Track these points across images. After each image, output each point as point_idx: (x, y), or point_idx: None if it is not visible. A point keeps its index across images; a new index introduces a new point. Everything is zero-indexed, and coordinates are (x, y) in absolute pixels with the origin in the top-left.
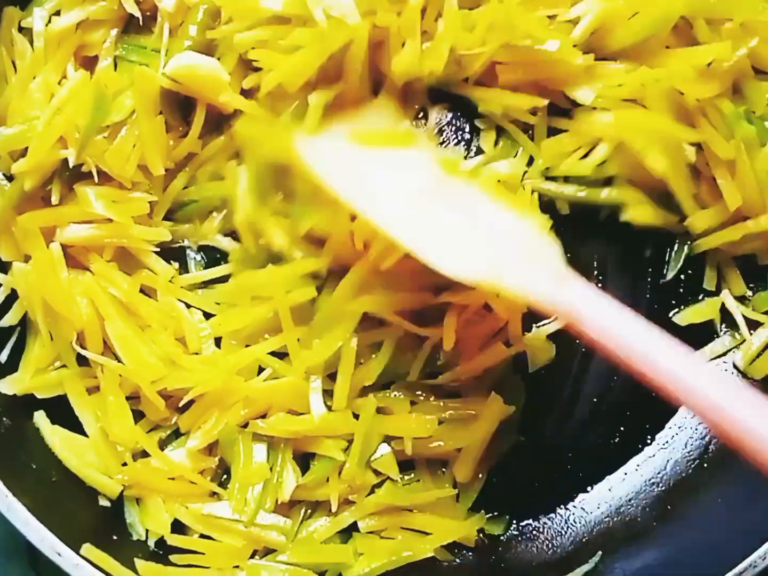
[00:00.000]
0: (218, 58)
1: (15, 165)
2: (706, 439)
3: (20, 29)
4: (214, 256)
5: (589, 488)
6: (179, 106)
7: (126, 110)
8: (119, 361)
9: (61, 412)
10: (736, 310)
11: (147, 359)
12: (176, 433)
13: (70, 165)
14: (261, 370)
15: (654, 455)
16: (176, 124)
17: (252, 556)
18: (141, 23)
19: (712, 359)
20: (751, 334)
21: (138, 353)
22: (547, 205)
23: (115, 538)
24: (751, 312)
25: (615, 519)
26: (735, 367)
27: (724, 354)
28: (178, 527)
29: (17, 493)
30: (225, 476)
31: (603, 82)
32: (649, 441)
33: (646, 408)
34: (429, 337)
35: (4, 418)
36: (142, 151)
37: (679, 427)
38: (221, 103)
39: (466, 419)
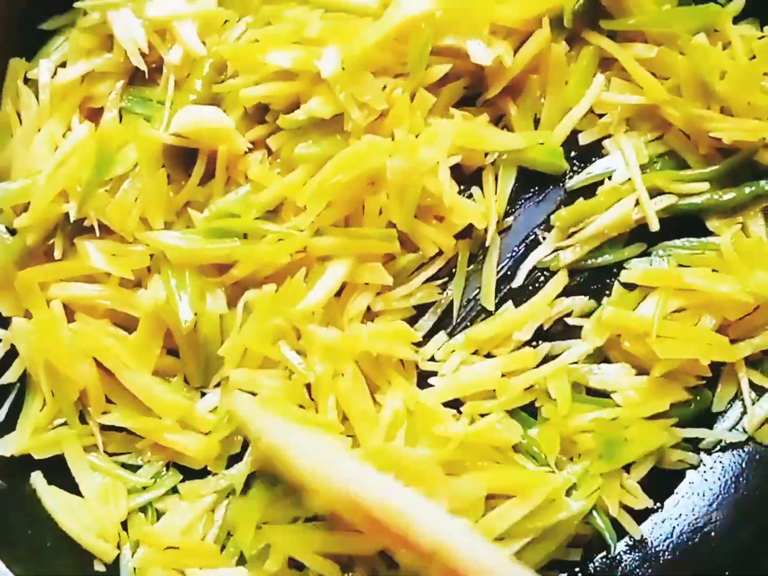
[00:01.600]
0: (224, 110)
1: (17, 220)
2: None
3: (26, 81)
4: None
5: None
6: (181, 158)
7: (129, 163)
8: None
9: (56, 470)
10: (744, 377)
11: (168, 398)
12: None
13: (71, 219)
14: None
15: None
16: (178, 177)
17: None
18: (147, 76)
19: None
20: (758, 399)
21: (158, 395)
22: None
23: None
24: (759, 377)
25: None
26: (744, 430)
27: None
28: None
29: (11, 563)
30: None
31: None
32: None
33: None
34: None
35: (0, 481)
36: (143, 205)
37: None
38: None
39: None
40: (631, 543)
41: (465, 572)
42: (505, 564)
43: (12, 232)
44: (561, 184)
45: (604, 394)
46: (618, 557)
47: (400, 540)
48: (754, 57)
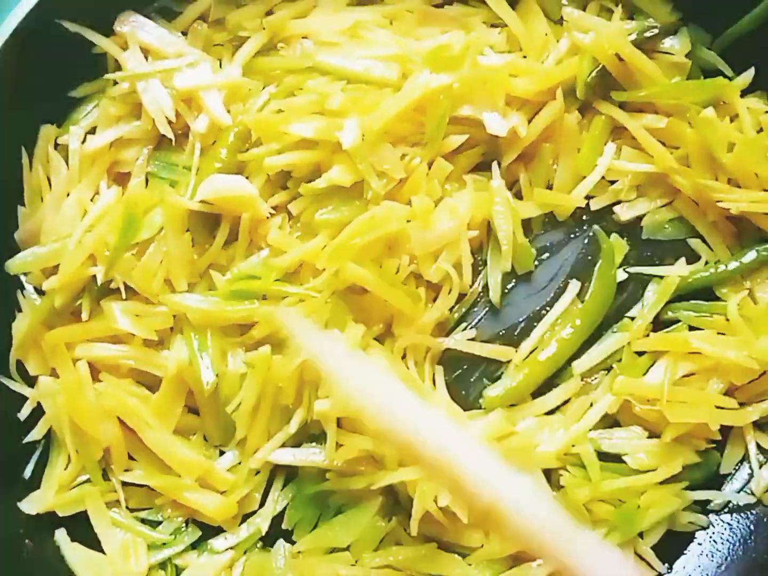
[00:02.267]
0: (246, 177)
1: (46, 282)
2: None
3: (56, 146)
4: None
5: None
6: (205, 222)
7: (155, 227)
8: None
9: (79, 526)
10: (751, 440)
11: (188, 457)
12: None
13: (99, 282)
14: None
15: None
16: (201, 240)
17: None
18: (173, 142)
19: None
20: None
21: (178, 454)
22: None
23: None
24: (767, 440)
25: None
26: (752, 492)
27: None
28: None
29: None
30: None
31: None
32: None
33: None
34: None
35: (27, 540)
36: (168, 267)
37: None
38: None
39: None
40: None
41: (524, 531)
42: (569, 528)
43: (40, 293)
44: None
45: (614, 459)
46: None
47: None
48: (761, 130)
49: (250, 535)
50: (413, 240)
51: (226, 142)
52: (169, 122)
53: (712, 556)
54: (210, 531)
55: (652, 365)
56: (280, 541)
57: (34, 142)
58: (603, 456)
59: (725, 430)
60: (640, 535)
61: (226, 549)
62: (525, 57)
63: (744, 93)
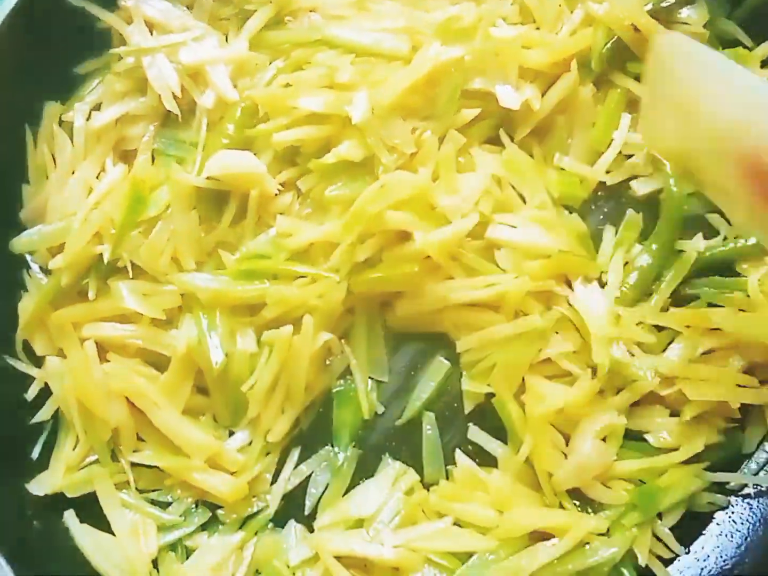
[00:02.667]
0: (254, 153)
1: (52, 261)
2: None
3: (60, 123)
4: None
5: None
6: (213, 199)
7: (162, 205)
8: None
9: (88, 508)
10: None
11: (197, 437)
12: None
13: (105, 261)
14: None
15: None
16: (209, 218)
17: None
18: (179, 118)
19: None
20: None
21: (187, 435)
22: None
23: None
24: None
25: None
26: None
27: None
28: None
29: None
30: None
31: None
32: None
33: None
34: None
35: (35, 522)
36: (175, 246)
37: None
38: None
39: None
40: None
41: None
42: None
43: (46, 272)
44: None
45: (636, 437)
46: None
47: None
48: None
49: (262, 516)
50: (418, 241)
51: (233, 118)
52: (175, 98)
53: (731, 537)
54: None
55: (671, 342)
56: (291, 522)
57: (39, 119)
58: (626, 433)
59: (746, 409)
60: (659, 516)
61: (237, 530)
62: (538, 29)
63: (764, 63)
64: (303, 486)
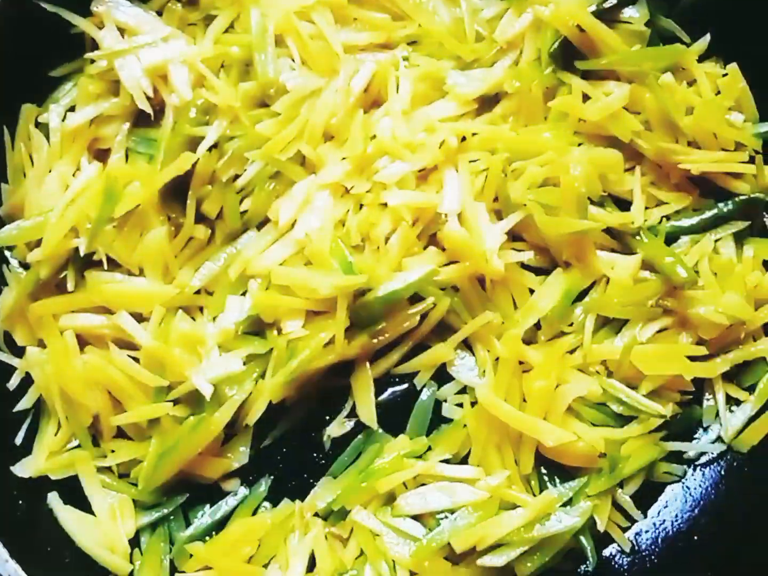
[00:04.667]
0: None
1: (30, 255)
2: None
3: (37, 125)
4: None
5: None
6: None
7: (134, 201)
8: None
9: (71, 490)
10: (720, 390)
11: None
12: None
13: (81, 254)
14: None
15: None
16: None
17: None
18: (152, 117)
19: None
20: (732, 411)
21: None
22: None
23: None
24: (734, 389)
25: None
26: (721, 439)
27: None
28: None
29: None
30: None
31: None
32: None
33: None
34: None
35: (20, 501)
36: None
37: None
38: None
39: None
40: (619, 548)
41: None
42: None
43: (25, 266)
44: None
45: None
46: (607, 561)
47: None
48: (718, 93)
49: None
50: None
51: (187, 117)
52: (147, 98)
53: (685, 501)
54: (200, 491)
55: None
56: (285, 500)
57: (15, 121)
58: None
59: (701, 384)
60: (620, 485)
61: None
62: None
63: (701, 58)
64: None
